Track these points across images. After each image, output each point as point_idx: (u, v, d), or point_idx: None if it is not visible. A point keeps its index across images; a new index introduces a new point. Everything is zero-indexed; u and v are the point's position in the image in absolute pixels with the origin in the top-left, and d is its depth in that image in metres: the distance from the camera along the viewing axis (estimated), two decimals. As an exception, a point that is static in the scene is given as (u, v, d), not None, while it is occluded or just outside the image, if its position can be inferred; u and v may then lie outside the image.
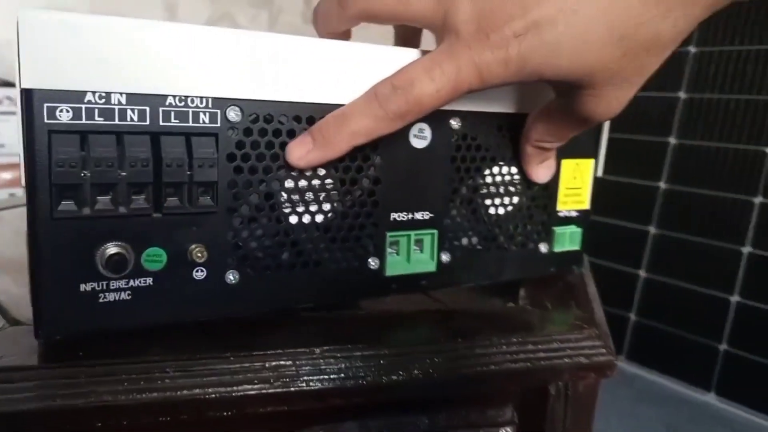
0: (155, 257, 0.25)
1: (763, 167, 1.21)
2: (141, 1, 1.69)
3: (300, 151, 0.26)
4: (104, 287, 0.24)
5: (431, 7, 0.26)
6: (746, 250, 1.23)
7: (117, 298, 0.25)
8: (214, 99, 0.25)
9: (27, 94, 0.22)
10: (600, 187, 0.37)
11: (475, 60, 0.25)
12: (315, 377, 0.26)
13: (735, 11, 1.23)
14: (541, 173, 0.33)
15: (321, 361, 0.26)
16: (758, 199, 1.21)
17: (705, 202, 1.28)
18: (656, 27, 0.24)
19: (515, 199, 0.34)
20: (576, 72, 0.25)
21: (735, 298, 1.25)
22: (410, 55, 0.28)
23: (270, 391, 0.25)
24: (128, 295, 0.25)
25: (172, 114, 0.24)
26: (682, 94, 1.32)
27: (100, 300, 0.24)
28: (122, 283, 0.25)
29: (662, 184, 1.35)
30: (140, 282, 0.25)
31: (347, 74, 0.27)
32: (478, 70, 0.25)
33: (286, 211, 0.28)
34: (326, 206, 0.28)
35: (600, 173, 0.37)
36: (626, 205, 1.40)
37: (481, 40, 0.25)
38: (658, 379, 1.38)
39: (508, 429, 0.31)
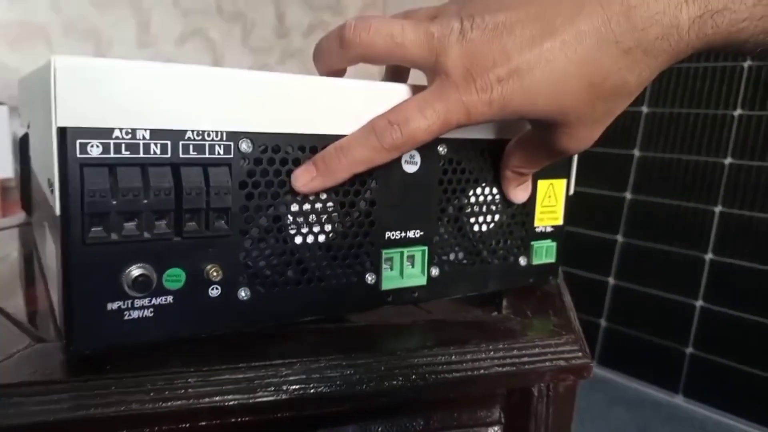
0: (175, 277, 0.27)
1: (722, 178, 1.27)
2: (114, 19, 1.69)
3: (304, 179, 0.29)
4: (129, 305, 0.26)
5: (424, 52, 0.29)
6: (708, 256, 1.29)
7: (141, 315, 0.27)
8: (228, 132, 0.27)
9: (61, 132, 0.24)
10: (570, 198, 0.40)
11: (463, 100, 0.28)
12: (323, 384, 0.28)
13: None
14: (519, 195, 0.36)
15: (327, 369, 0.28)
16: (718, 208, 1.28)
17: (668, 212, 1.34)
18: (623, 77, 0.28)
19: (497, 217, 0.37)
20: (551, 113, 0.28)
21: (699, 303, 1.30)
22: (400, 90, 0.31)
23: (283, 397, 0.27)
24: (151, 312, 0.27)
25: (191, 147, 0.27)
26: (644, 108, 1.38)
27: (126, 317, 0.26)
28: (145, 302, 0.27)
29: (628, 195, 1.41)
30: (161, 300, 0.27)
31: (346, 108, 0.30)
32: (465, 109, 0.28)
33: (292, 232, 0.30)
34: (328, 227, 0.31)
35: (572, 192, 0.40)
36: (594, 216, 1.45)
37: (468, 82, 0.28)
38: (628, 383, 1.43)
39: (496, 428, 0.34)
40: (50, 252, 0.32)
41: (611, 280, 1.44)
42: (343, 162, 0.29)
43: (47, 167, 0.28)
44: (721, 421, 1.28)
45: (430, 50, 0.29)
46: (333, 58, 0.32)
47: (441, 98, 0.28)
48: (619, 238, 1.42)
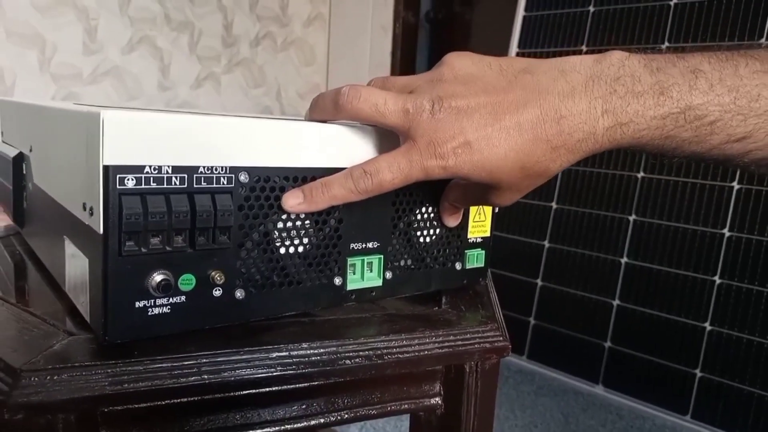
0: (188, 281, 0.34)
1: (636, 189, 1.42)
2: (59, 24, 1.70)
3: (292, 202, 0.37)
4: (152, 304, 0.34)
5: (400, 122, 0.37)
6: (623, 260, 1.44)
7: (160, 312, 0.34)
8: (231, 167, 0.35)
9: (106, 169, 0.31)
10: (505, 207, 0.50)
11: (423, 164, 0.36)
12: (304, 364, 0.36)
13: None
14: (451, 221, 0.46)
15: (309, 351, 0.36)
16: (632, 217, 1.42)
17: (589, 219, 1.48)
18: (547, 165, 0.37)
19: (437, 231, 0.46)
20: (490, 181, 0.37)
21: (616, 302, 1.45)
22: (366, 134, 0.39)
23: (274, 374, 0.35)
24: (168, 309, 0.34)
25: (203, 179, 0.34)
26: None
27: (149, 313, 0.34)
28: (164, 301, 0.34)
29: (554, 204, 1.54)
30: (177, 299, 0.34)
31: (322, 145, 0.38)
32: (424, 170, 0.37)
33: (277, 244, 0.38)
34: (305, 240, 0.39)
35: (497, 209, 0.50)
36: (525, 224, 1.58)
37: (429, 150, 0.36)
38: (554, 375, 1.56)
39: (437, 399, 0.43)
40: (68, 261, 0.39)
41: (539, 282, 1.57)
42: (325, 195, 0.37)
43: (80, 193, 0.35)
44: (636, 407, 1.43)
45: (405, 122, 0.37)
46: (326, 115, 0.40)
47: (406, 159, 0.37)
48: (546, 243, 1.55)
